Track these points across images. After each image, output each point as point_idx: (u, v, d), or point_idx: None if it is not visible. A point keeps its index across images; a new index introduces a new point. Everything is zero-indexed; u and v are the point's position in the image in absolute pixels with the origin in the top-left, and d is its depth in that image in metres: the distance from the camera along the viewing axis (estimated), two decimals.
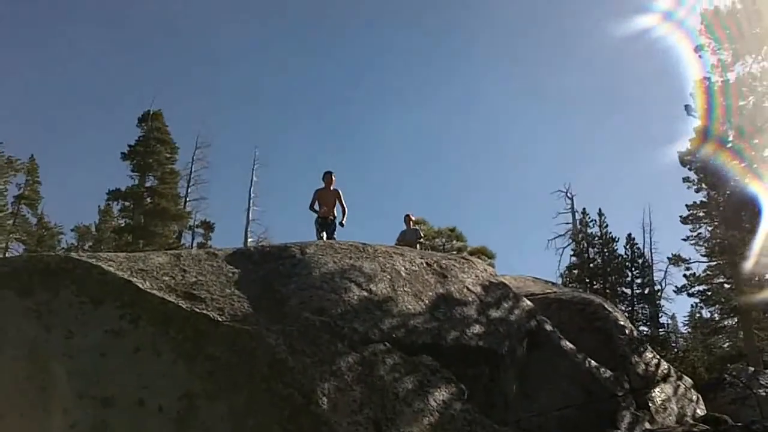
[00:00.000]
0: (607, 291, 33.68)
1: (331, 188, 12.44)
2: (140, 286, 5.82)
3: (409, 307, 7.26)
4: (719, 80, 28.35)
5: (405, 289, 7.57)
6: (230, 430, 5.03)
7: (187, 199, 37.53)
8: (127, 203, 35.17)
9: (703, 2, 28.72)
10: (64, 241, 40.93)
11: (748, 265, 24.84)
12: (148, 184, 35.54)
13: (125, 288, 5.79)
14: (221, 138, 70.12)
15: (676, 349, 36.96)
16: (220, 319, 5.61)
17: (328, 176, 12.51)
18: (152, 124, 36.70)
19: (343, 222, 12.29)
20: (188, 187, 37.72)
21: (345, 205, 12.38)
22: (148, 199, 35.02)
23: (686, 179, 31.24)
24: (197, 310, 5.66)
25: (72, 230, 41.94)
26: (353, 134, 77.98)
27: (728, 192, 27.73)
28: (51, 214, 40.55)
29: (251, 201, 36.60)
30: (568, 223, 38.87)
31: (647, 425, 8.07)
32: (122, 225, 35.92)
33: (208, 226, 38.49)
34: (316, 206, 12.33)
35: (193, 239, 38.00)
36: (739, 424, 7.65)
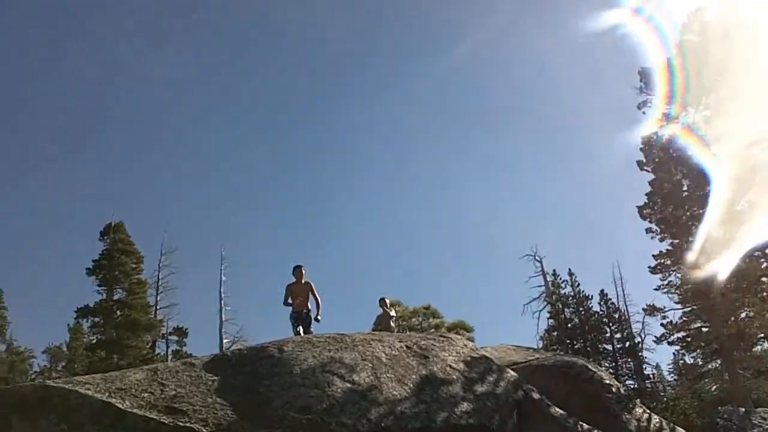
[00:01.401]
0: (588, 349, 33.72)
1: (303, 281, 12.42)
2: (120, 406, 5.72)
3: (395, 393, 7.21)
4: (665, 134, 29.33)
5: (388, 375, 7.53)
6: None
7: (158, 307, 37.04)
8: (96, 319, 34.53)
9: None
10: (36, 364, 39.96)
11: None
12: (116, 297, 35.02)
13: (105, 410, 5.68)
14: (186, 241, 69.73)
15: (665, 399, 36.82)
16: (205, 431, 5.50)
17: (298, 270, 12.50)
18: (115, 236, 36.49)
19: (319, 317, 12.19)
20: (157, 295, 37.29)
21: (319, 298, 12.33)
22: (118, 312, 34.46)
23: (648, 230, 31.81)
24: (180, 423, 5.57)
25: (43, 352, 41.00)
26: (317, 220, 78.11)
27: (690, 238, 28.28)
28: (20, 337, 39.66)
29: (222, 301, 36.20)
30: (540, 286, 39.05)
31: None
32: (94, 341, 35.13)
33: (181, 332, 37.88)
34: (290, 301, 12.27)
35: (167, 347, 37.32)
36: None
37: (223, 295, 36.45)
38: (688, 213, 28.67)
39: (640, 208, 30.84)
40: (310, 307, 12.23)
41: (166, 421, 5.58)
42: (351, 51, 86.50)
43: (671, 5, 28.55)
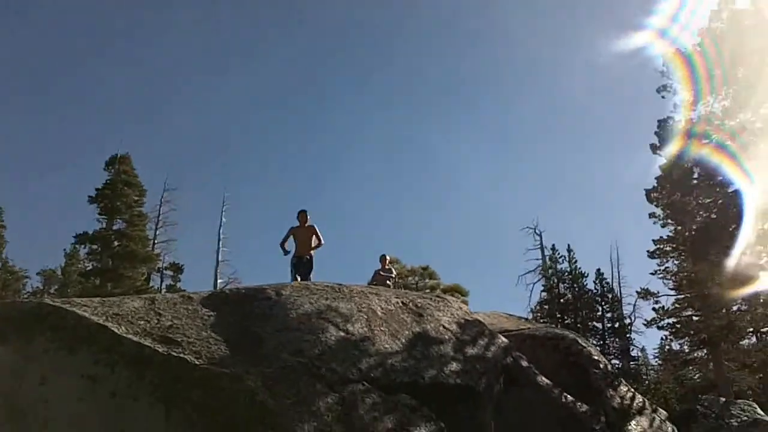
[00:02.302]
0: (579, 325, 33.97)
1: (306, 225, 12.37)
2: (116, 331, 5.78)
3: (387, 346, 7.28)
4: (681, 119, 29.10)
5: (382, 328, 7.59)
6: None
7: (156, 241, 37.23)
8: (94, 246, 34.71)
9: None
10: (29, 284, 40.28)
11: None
12: (115, 227, 35.13)
13: (101, 333, 5.74)
14: (189, 181, 69.65)
15: (647, 382, 37.22)
16: (197, 363, 5.57)
17: (302, 214, 12.42)
18: (120, 168, 36.48)
19: (312, 252, 12.19)
20: (156, 229, 37.45)
21: (322, 239, 12.28)
22: (116, 242, 34.59)
23: (652, 215, 31.76)
24: (174, 353, 5.62)
25: (37, 274, 41.32)
26: (324, 176, 77.91)
27: (695, 227, 28.24)
28: (15, 257, 39.90)
29: (221, 242, 36.38)
30: (537, 259, 39.11)
31: None
32: (89, 268, 35.40)
33: (177, 268, 38.14)
34: (288, 245, 12.23)
35: (161, 281, 37.62)
36: None
37: (221, 236, 36.63)
38: (695, 201, 28.56)
39: (648, 192, 30.75)
40: (311, 254, 12.21)
41: (161, 350, 5.64)
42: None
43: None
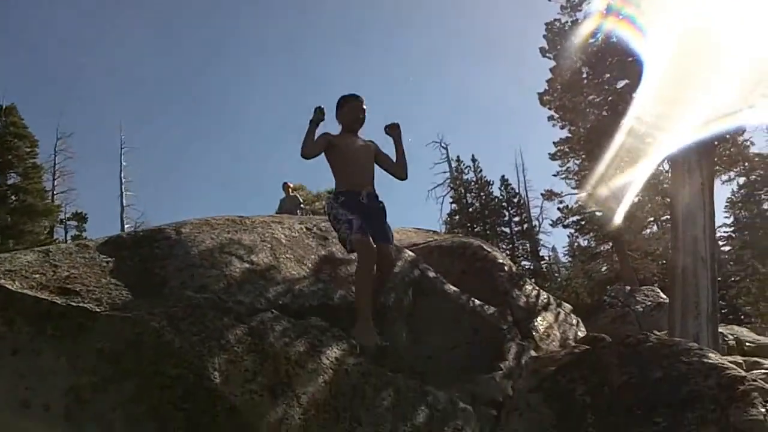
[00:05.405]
0: (488, 232, 35.06)
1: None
2: (10, 287, 5.60)
3: (293, 272, 7.35)
4: (569, 20, 29.58)
5: (287, 256, 7.64)
6: (124, 419, 4.97)
7: (55, 192, 35.98)
8: None
9: None
10: None
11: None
12: (10, 182, 33.71)
13: None
14: (84, 126, 66.83)
15: (559, 279, 38.97)
16: (98, 310, 5.49)
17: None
18: (7, 120, 34.69)
19: None
20: (54, 180, 36.17)
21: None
22: (13, 197, 33.30)
23: (551, 117, 32.61)
24: (73, 303, 5.51)
25: None
26: (219, 107, 75.98)
27: (588, 125, 29.14)
28: None
29: (123, 186, 35.47)
30: (445, 172, 39.83)
31: (532, 353, 8.53)
32: None
33: (80, 218, 37.09)
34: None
35: (66, 233, 36.51)
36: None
37: (123, 180, 35.68)
38: (586, 100, 29.45)
39: (541, 95, 31.41)
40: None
41: (59, 302, 5.51)
42: None
43: None
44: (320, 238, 8.50)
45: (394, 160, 7.16)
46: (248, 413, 5.17)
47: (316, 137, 6.77)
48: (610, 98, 26.48)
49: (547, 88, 31.48)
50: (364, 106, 7.16)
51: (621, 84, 26.98)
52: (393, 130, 7.09)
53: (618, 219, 27.88)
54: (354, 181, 6.95)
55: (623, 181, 26.04)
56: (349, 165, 6.98)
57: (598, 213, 34.00)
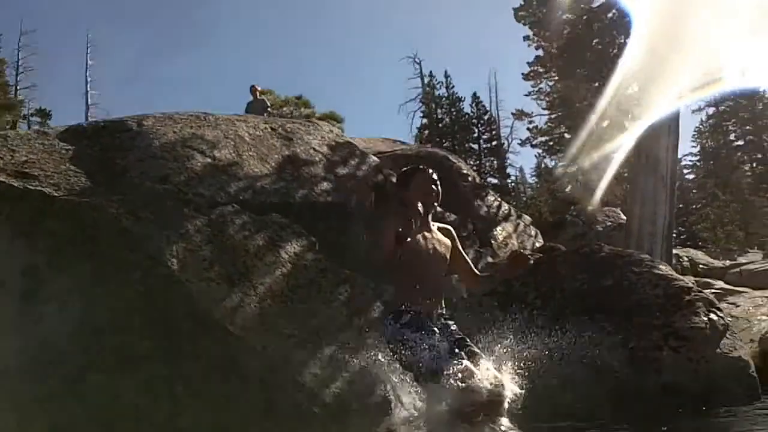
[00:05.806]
0: (456, 147, 35.16)
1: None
2: None
3: (256, 170, 7.34)
4: None
5: (250, 153, 7.61)
6: (80, 300, 5.05)
7: (18, 87, 35.17)
8: None
9: None
10: None
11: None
12: None
13: None
14: (49, 23, 64.61)
15: (524, 198, 39.49)
16: (56, 195, 5.48)
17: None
18: None
19: None
20: (17, 75, 35.28)
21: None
22: None
23: (526, 37, 32.17)
24: (30, 187, 5.49)
25: None
26: (189, 10, 73.88)
27: (562, 43, 28.79)
28: None
29: (88, 85, 34.73)
30: (418, 88, 39.53)
31: (489, 259, 8.73)
32: None
33: (44, 114, 36.26)
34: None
35: (29, 128, 35.81)
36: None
37: (89, 79, 34.91)
38: (562, 17, 28.99)
39: (516, 10, 30.72)
40: None
41: (16, 185, 5.49)
42: None
43: None
44: (285, 138, 8.46)
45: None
46: (204, 299, 5.28)
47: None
48: (585, 17, 26.21)
49: (522, 2, 31.00)
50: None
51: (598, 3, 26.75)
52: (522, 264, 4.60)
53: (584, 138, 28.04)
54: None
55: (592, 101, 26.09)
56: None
57: (567, 134, 34.21)
